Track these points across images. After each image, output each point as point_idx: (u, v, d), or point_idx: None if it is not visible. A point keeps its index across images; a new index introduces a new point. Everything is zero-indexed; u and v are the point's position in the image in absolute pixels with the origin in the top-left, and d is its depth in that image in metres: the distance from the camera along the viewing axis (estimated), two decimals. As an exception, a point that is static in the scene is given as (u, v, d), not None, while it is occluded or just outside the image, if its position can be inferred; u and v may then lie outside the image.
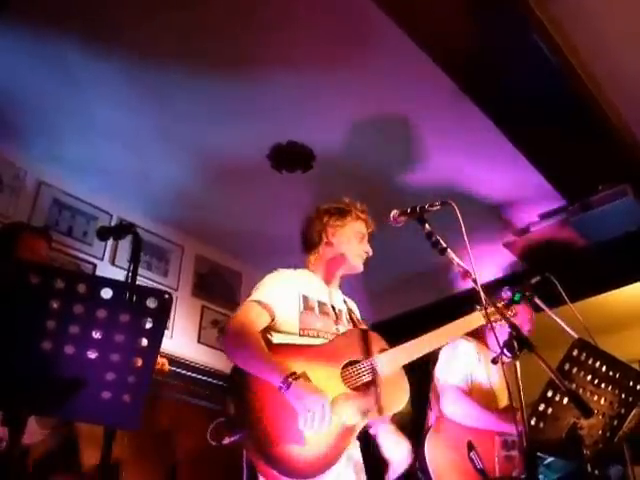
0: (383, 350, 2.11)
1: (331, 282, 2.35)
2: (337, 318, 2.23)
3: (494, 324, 2.06)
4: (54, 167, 4.02)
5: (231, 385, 1.97)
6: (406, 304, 5.22)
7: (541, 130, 3.50)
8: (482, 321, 2.21)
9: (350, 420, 1.93)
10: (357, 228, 2.37)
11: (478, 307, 2.26)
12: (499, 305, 2.03)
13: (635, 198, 3.70)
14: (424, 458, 2.50)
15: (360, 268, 2.36)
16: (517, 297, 2.22)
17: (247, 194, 4.25)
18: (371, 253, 2.37)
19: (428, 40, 3.01)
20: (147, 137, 3.80)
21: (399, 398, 2.07)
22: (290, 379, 1.82)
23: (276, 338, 2.09)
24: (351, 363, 2.06)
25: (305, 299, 2.17)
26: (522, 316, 2.80)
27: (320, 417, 1.78)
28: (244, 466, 1.94)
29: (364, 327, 2.31)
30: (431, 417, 2.76)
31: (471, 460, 2.26)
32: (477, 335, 2.90)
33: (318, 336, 2.11)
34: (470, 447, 2.30)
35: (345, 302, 2.39)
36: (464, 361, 2.78)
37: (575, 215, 3.88)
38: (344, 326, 2.23)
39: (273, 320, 2.10)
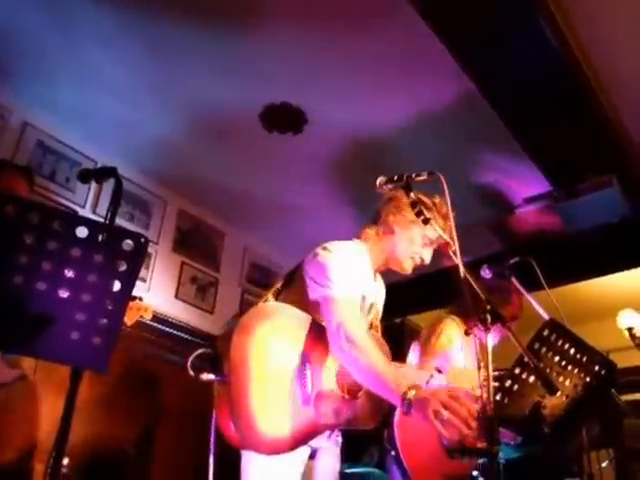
0: None
1: (376, 270, 2.24)
2: (367, 315, 2.17)
3: None
4: (42, 110, 3.93)
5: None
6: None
7: (536, 114, 3.49)
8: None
9: (325, 418, 1.89)
10: (429, 233, 2.15)
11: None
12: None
13: (620, 190, 3.72)
14: (392, 428, 2.52)
15: (407, 271, 2.20)
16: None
17: (236, 152, 4.21)
18: (427, 262, 2.19)
19: (431, 13, 2.96)
20: (139, 88, 3.73)
21: (367, 419, 2.03)
22: (407, 398, 1.69)
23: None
24: None
25: (362, 299, 2.08)
26: (516, 304, 2.90)
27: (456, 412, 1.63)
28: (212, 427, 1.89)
29: (377, 334, 2.24)
30: None
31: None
32: (458, 312, 2.93)
33: None
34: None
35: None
36: (444, 341, 2.78)
37: (560, 201, 3.91)
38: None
39: None
